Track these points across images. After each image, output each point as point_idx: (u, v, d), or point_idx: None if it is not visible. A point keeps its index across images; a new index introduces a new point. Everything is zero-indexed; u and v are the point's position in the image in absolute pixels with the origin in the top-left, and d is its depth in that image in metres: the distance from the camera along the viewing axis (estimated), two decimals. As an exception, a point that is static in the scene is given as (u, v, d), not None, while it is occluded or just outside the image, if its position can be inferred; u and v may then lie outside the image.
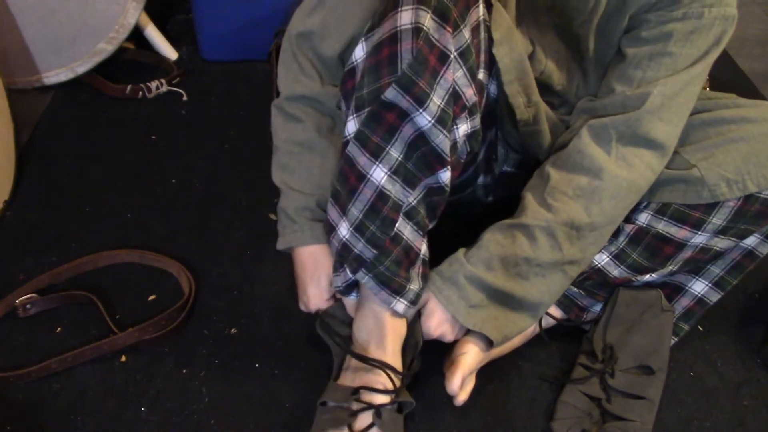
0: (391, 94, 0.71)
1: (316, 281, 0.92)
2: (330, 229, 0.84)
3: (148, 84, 1.47)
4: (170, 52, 1.61)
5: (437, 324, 0.87)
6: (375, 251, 0.79)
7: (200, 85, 1.54)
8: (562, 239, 0.84)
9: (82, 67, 1.47)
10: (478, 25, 0.77)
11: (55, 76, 1.47)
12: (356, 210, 0.78)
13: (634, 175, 0.84)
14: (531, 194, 0.87)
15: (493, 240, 0.85)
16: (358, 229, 0.79)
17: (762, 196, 0.84)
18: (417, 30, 0.70)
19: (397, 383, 0.84)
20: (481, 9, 0.77)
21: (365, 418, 0.82)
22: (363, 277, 0.81)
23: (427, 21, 0.70)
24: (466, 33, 0.74)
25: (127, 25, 1.46)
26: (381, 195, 0.77)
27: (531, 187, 0.89)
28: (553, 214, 0.83)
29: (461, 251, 0.87)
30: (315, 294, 0.93)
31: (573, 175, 0.85)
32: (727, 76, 1.63)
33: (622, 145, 0.84)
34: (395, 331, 0.86)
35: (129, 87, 1.47)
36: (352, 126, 0.76)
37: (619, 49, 0.86)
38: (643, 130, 0.83)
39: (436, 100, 0.73)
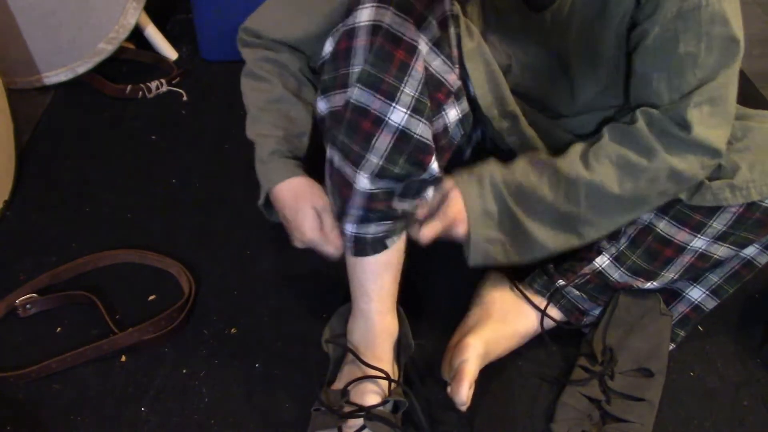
0: (360, 96, 0.72)
1: (303, 212, 0.85)
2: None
3: (148, 84, 1.47)
4: (170, 52, 1.61)
5: (457, 211, 0.84)
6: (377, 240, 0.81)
7: (200, 85, 1.54)
8: (582, 196, 0.82)
9: (82, 67, 1.47)
10: (446, 19, 0.77)
11: (55, 76, 1.47)
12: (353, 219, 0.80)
13: (683, 166, 0.81)
14: (579, 146, 0.86)
15: (522, 167, 0.84)
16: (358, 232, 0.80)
17: (764, 204, 0.84)
18: (375, 27, 0.71)
19: (390, 384, 0.84)
20: (446, 3, 0.77)
21: (357, 421, 0.82)
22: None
23: (388, 17, 0.71)
24: (434, 26, 0.75)
25: (127, 25, 1.46)
26: (371, 197, 0.78)
27: (583, 141, 0.87)
28: (587, 172, 0.82)
29: (494, 160, 0.86)
30: (307, 223, 0.85)
31: (623, 147, 0.83)
32: (727, 76, 1.62)
33: (676, 146, 0.81)
34: (385, 331, 0.86)
35: (129, 87, 1.47)
36: (322, 105, 0.79)
37: (636, 71, 0.83)
38: (697, 142, 0.80)
39: (408, 91, 0.73)
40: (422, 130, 0.76)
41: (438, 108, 0.78)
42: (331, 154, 0.79)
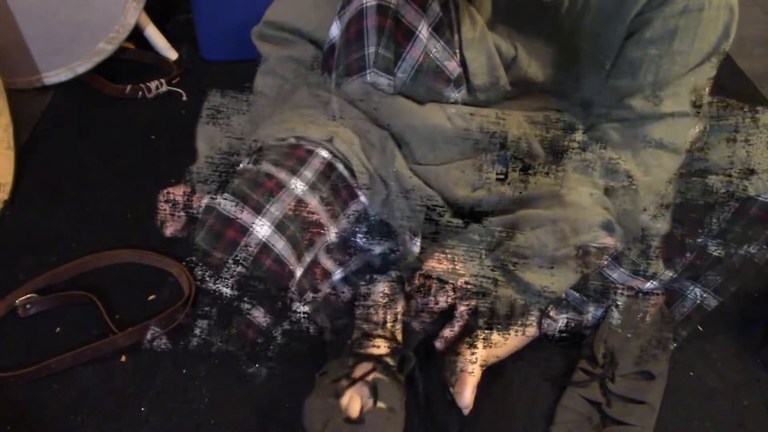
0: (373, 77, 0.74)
1: None
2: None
3: (148, 84, 1.47)
4: (170, 52, 1.61)
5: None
6: None
7: (200, 85, 1.53)
8: (568, 234, 0.82)
9: (82, 67, 1.47)
10: (447, 2, 0.77)
11: (55, 76, 1.47)
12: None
13: (650, 179, 0.83)
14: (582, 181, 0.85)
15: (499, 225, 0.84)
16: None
17: (761, 199, 0.84)
18: (381, 7, 0.72)
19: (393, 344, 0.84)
20: None
21: (365, 367, 0.82)
22: None
23: None
24: (436, 7, 0.75)
25: (127, 25, 1.46)
26: None
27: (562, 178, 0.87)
28: (562, 208, 0.82)
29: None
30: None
31: (588, 177, 0.84)
32: (727, 76, 1.62)
33: (640, 150, 0.83)
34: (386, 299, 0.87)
35: (129, 87, 1.47)
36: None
37: (626, 56, 0.84)
38: (655, 135, 0.81)
39: (401, 74, 0.75)
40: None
41: (439, 97, 0.79)
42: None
